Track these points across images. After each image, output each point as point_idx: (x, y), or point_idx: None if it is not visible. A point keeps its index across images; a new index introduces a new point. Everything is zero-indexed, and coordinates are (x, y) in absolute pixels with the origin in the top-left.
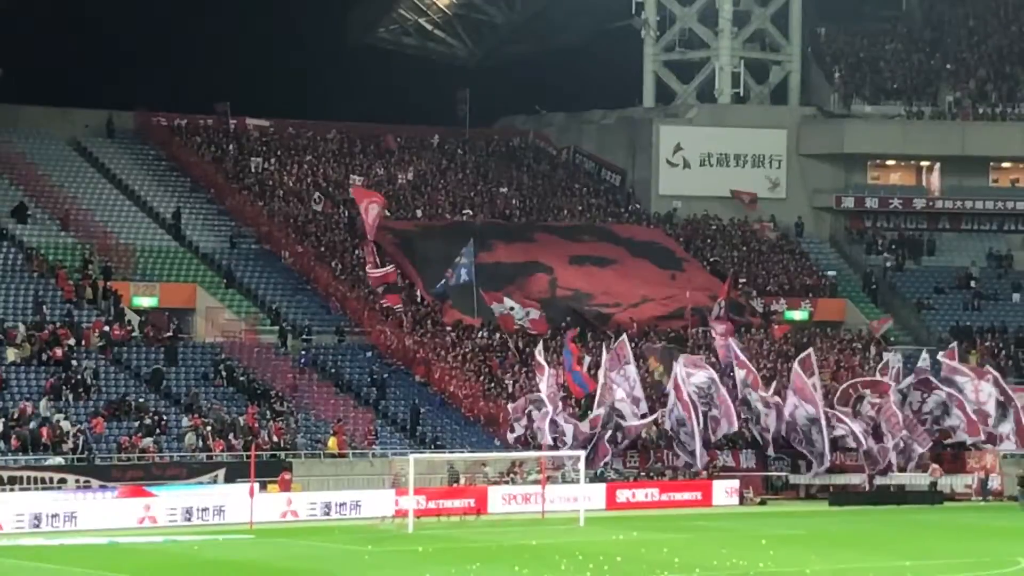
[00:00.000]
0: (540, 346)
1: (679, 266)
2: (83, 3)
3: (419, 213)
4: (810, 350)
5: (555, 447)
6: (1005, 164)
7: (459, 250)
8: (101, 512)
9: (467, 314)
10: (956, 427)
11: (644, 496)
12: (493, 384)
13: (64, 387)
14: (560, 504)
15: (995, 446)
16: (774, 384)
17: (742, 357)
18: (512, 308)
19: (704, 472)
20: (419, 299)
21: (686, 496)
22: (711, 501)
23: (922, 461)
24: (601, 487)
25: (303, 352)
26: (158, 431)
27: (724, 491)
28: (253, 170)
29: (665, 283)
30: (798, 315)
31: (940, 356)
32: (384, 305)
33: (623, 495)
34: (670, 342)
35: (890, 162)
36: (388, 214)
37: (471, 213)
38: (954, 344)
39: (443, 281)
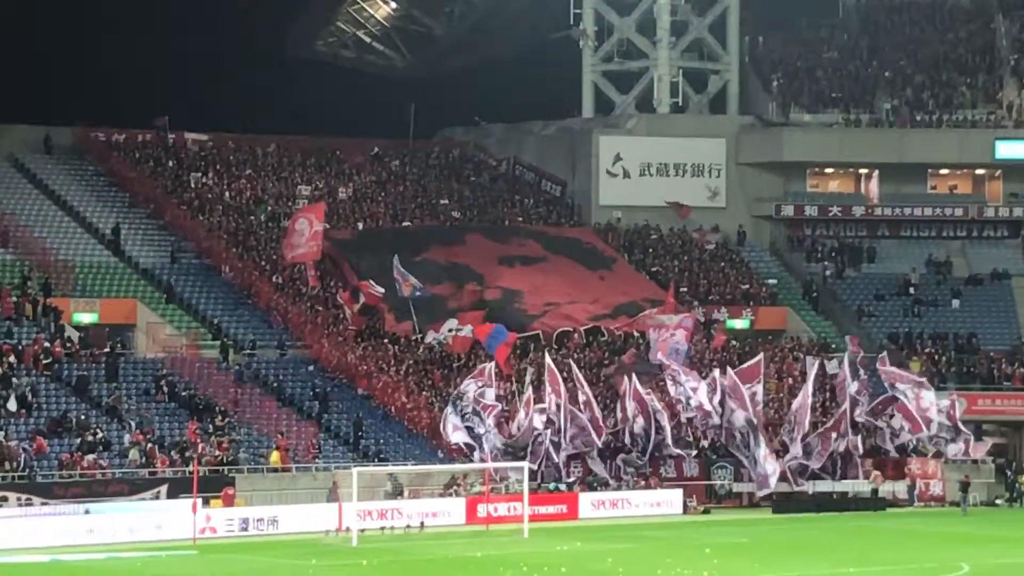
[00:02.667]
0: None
1: (608, 266)
2: (20, 19)
3: (360, 226)
4: (759, 357)
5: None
6: (943, 171)
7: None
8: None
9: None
10: (900, 429)
11: (506, 511)
12: (436, 396)
13: (3, 405)
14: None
15: (944, 452)
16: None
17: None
18: (450, 330)
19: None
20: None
21: (550, 510)
22: (577, 514)
23: (864, 467)
24: (461, 501)
25: (239, 365)
26: (101, 448)
27: (590, 504)
28: (192, 185)
29: (594, 283)
30: (739, 324)
31: (877, 365)
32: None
33: (483, 509)
34: (612, 352)
35: (829, 170)
36: (328, 225)
37: (410, 225)
38: (884, 354)
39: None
